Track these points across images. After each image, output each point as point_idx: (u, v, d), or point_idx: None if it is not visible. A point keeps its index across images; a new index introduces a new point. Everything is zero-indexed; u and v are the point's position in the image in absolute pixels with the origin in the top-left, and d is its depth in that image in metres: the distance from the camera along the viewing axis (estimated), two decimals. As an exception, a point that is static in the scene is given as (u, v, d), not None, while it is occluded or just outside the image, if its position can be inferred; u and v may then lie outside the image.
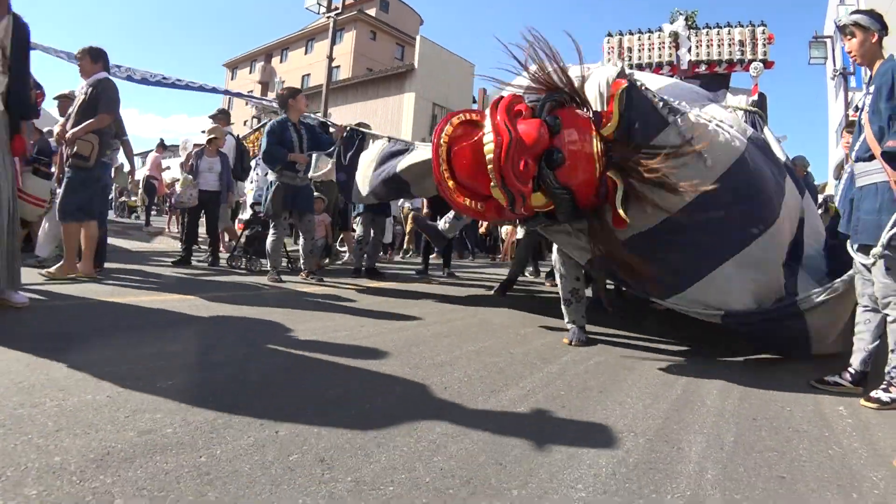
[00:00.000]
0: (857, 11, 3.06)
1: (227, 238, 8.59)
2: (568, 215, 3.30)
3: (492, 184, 2.94)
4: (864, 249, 2.94)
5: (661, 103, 3.34)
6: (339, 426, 1.94)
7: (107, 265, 5.68)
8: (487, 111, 3.03)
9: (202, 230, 7.80)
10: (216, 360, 2.66)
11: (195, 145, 7.91)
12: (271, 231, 6.02)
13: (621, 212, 3.09)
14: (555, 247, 4.15)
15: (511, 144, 2.84)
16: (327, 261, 7.70)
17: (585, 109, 3.24)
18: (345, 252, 9.70)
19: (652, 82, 4.28)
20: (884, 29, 2.98)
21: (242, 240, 7.49)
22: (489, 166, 2.89)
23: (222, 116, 7.87)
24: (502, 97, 3.06)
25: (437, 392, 2.44)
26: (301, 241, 6.24)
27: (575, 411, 2.34)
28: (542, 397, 2.50)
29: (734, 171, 3.40)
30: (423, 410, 2.19)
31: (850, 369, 3.03)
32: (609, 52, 7.82)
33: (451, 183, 3.13)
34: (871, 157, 2.87)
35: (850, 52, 3.10)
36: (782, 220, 3.69)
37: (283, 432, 1.84)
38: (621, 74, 3.32)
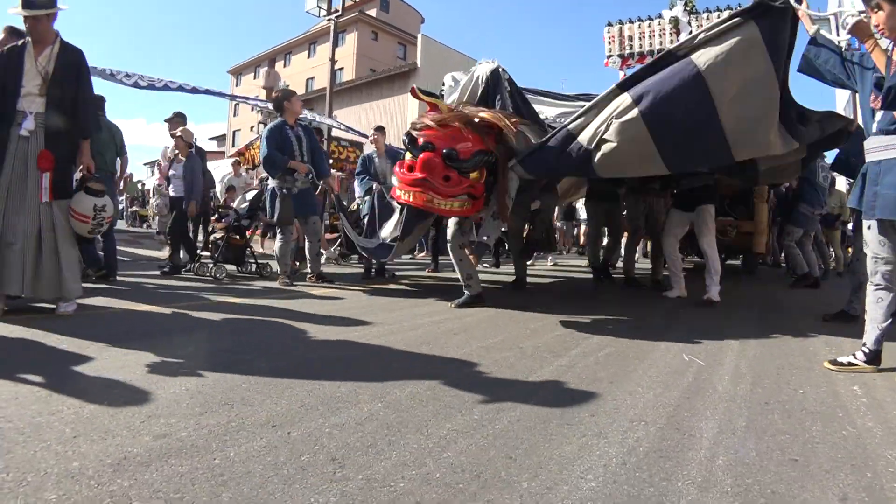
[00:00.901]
0: None
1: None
2: (492, 162, 4.53)
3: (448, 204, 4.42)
4: (884, 225, 2.93)
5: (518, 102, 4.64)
6: (349, 425, 1.96)
7: (119, 274, 5.75)
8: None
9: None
10: (227, 364, 2.68)
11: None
12: (279, 236, 6.05)
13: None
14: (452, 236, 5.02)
15: (427, 182, 4.30)
16: (298, 264, 7.20)
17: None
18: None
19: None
20: None
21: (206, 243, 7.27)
22: (440, 205, 4.42)
23: (178, 119, 7.58)
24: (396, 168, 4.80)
25: (447, 389, 2.45)
26: (307, 244, 6.26)
27: (585, 403, 2.34)
28: (551, 390, 2.50)
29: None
30: (433, 407, 2.20)
31: (863, 348, 3.03)
32: (610, 42, 7.82)
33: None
34: None
35: (876, 26, 3.04)
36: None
37: (294, 433, 1.87)
38: (495, 71, 4.71)
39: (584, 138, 4.06)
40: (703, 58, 3.72)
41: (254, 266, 6.97)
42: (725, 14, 7.25)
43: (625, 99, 3.89)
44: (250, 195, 7.17)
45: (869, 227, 3.04)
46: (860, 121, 3.29)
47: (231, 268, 6.83)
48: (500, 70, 4.70)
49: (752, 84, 3.81)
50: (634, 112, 3.84)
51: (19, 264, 3.54)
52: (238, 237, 6.87)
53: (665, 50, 4.17)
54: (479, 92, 4.72)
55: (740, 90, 3.82)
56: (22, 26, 3.76)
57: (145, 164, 46.47)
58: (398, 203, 4.73)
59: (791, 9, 3.67)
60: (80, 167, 3.92)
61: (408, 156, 4.52)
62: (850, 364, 3.02)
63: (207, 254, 7.10)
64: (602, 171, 4.17)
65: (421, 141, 4.38)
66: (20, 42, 3.70)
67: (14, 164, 3.57)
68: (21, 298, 3.80)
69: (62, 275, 3.69)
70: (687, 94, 3.77)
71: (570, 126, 4.18)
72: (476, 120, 4.32)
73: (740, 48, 3.67)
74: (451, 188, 4.30)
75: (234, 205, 7.40)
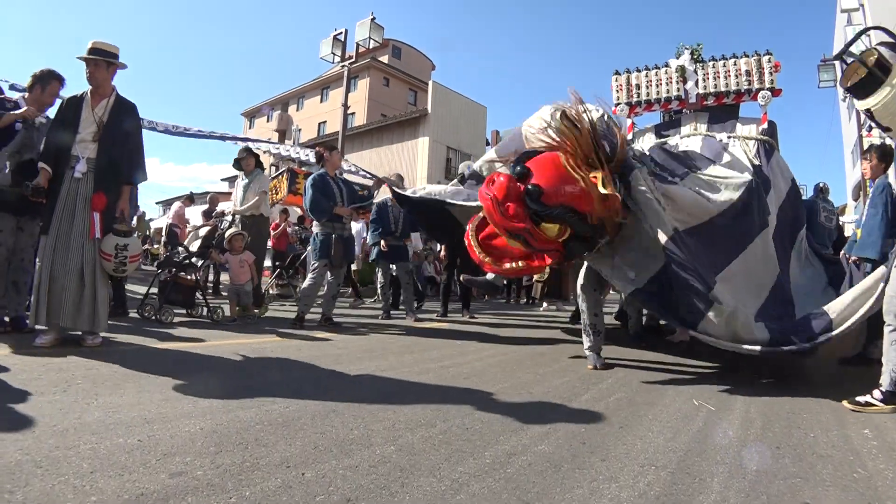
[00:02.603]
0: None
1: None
2: (585, 230, 3.70)
3: (507, 239, 3.59)
4: None
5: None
6: (363, 467, 1.98)
7: (132, 313, 5.82)
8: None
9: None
10: (240, 404, 2.71)
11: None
12: (310, 276, 6.15)
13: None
14: (578, 283, 4.48)
15: (493, 203, 3.47)
16: (257, 311, 6.74)
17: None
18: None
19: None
20: None
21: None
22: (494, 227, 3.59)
23: None
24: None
25: (458, 433, 2.47)
26: (326, 286, 6.37)
27: (596, 448, 2.35)
28: (562, 435, 2.51)
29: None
30: (445, 451, 2.22)
31: (880, 389, 3.06)
32: (618, 90, 7.96)
33: (489, 261, 3.82)
34: None
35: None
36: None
37: (308, 474, 1.89)
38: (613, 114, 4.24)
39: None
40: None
41: (205, 310, 6.24)
42: (731, 62, 7.45)
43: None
44: (203, 231, 6.80)
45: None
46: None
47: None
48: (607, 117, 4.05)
49: None
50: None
51: (64, 297, 3.82)
52: (188, 277, 6.24)
53: None
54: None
55: None
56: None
57: (157, 203, 47.17)
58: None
59: None
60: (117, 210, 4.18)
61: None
62: (868, 403, 3.05)
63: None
64: None
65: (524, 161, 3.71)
66: (80, 93, 4.08)
67: (65, 203, 3.89)
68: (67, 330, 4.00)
69: (97, 309, 3.93)
70: None
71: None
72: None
73: None
74: (509, 222, 3.51)
75: (187, 242, 6.95)
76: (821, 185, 7.61)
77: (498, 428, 2.57)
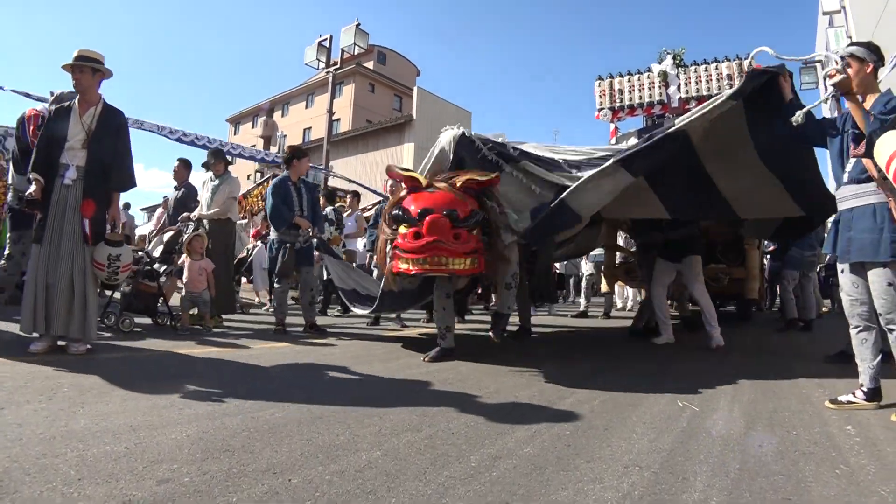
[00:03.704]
0: (854, 43, 3.22)
1: None
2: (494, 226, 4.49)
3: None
4: (857, 267, 3.06)
5: (493, 156, 4.74)
6: (349, 472, 1.99)
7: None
8: None
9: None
10: (226, 411, 2.71)
11: None
12: (276, 285, 6.14)
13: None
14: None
15: (438, 244, 3.98)
16: (212, 319, 6.26)
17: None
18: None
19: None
20: (880, 60, 3.11)
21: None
22: (455, 265, 4.11)
23: None
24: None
25: (444, 437, 2.48)
26: (299, 294, 6.39)
27: (580, 449, 2.37)
28: (547, 438, 2.53)
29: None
30: (430, 455, 2.23)
31: (861, 388, 3.13)
32: (601, 95, 8.05)
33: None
34: (867, 179, 2.99)
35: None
36: None
37: (295, 480, 1.89)
38: (461, 136, 4.72)
39: (578, 206, 4.47)
40: (686, 121, 4.15)
41: (168, 319, 5.91)
42: (713, 66, 7.55)
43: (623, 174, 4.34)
44: (167, 236, 6.48)
45: (843, 271, 3.20)
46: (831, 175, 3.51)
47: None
48: (465, 134, 4.75)
49: (732, 141, 4.34)
50: (629, 178, 4.35)
51: (57, 304, 3.85)
52: (150, 283, 5.84)
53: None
54: (451, 159, 4.71)
55: (723, 147, 4.38)
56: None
57: (142, 210, 46.64)
58: (406, 276, 4.37)
59: (777, 77, 4.02)
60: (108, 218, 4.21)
61: (402, 229, 4.23)
62: (850, 402, 3.11)
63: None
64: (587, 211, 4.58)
65: (415, 209, 4.18)
66: (67, 103, 4.15)
67: (56, 210, 3.92)
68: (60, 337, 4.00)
69: (87, 315, 3.95)
70: (671, 144, 4.21)
71: (565, 197, 4.37)
72: (458, 184, 4.27)
73: (718, 107, 4.07)
74: (464, 245, 4.07)
75: (150, 247, 6.58)
76: None
77: (483, 431, 2.59)
